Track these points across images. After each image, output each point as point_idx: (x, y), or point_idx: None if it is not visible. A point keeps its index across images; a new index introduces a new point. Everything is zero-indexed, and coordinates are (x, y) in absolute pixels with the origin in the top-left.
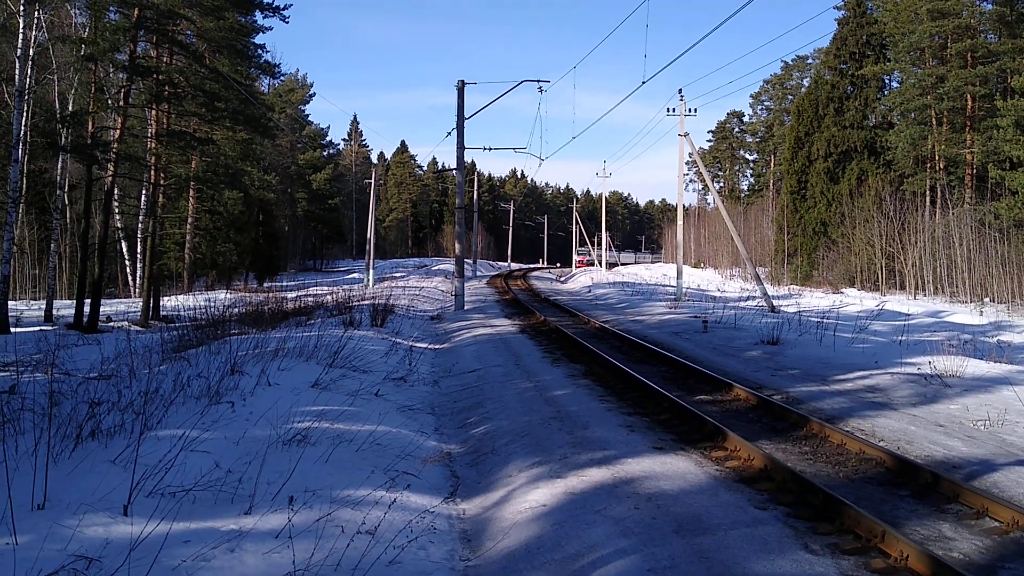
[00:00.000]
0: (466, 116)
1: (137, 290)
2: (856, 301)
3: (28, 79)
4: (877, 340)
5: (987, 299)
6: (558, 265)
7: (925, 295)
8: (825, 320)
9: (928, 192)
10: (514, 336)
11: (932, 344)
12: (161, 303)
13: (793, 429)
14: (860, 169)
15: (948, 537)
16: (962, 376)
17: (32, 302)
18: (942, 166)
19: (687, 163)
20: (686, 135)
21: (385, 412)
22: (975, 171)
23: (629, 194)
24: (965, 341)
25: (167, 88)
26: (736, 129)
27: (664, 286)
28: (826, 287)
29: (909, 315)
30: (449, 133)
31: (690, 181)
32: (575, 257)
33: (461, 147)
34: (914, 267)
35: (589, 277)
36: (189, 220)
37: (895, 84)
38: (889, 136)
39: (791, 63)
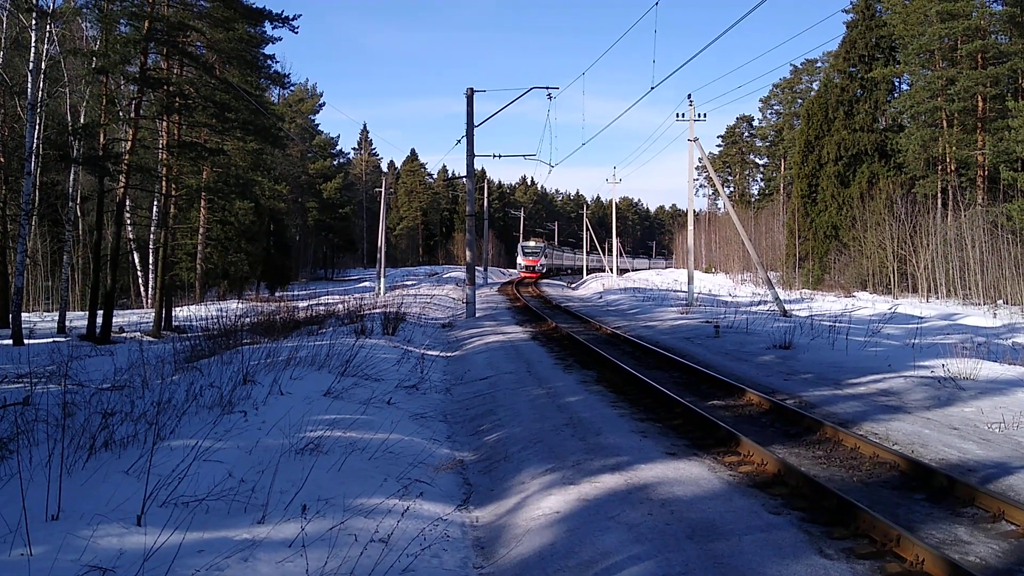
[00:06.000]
0: (476, 124)
1: (149, 301)
2: (868, 304)
3: (40, 92)
4: (890, 343)
5: (1000, 301)
6: (569, 272)
7: (938, 298)
8: (837, 324)
9: (939, 194)
10: (526, 343)
11: (945, 347)
12: (173, 313)
13: (806, 433)
14: (871, 172)
15: (964, 541)
16: (976, 379)
17: (45, 313)
18: (953, 168)
19: (697, 168)
20: (696, 140)
21: (397, 420)
22: (987, 173)
23: (639, 200)
24: (979, 343)
25: (178, 99)
26: (746, 134)
27: (675, 291)
28: (838, 291)
29: (922, 318)
30: (459, 141)
31: (700, 186)
32: (519, 259)
33: (471, 155)
34: (926, 270)
35: (600, 283)
36: (200, 230)
37: (905, 86)
38: (899, 139)
39: (800, 67)
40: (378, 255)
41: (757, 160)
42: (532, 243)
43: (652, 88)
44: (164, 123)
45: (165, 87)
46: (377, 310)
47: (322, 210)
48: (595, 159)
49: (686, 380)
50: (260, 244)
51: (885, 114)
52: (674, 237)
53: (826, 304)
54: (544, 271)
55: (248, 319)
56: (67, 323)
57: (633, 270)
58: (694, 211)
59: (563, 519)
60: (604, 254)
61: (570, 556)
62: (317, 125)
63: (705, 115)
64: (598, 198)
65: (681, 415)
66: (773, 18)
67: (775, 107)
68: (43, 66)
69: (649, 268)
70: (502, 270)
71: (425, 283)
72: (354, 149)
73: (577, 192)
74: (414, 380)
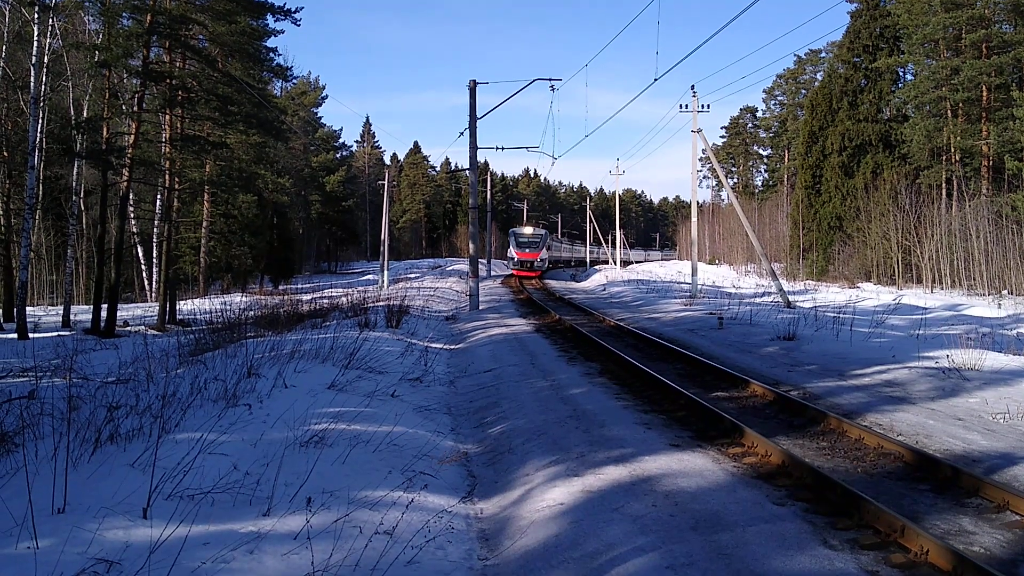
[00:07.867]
0: (478, 116)
1: (153, 294)
2: (872, 295)
3: (43, 86)
4: (894, 334)
5: (1005, 292)
6: (572, 264)
7: (942, 288)
8: (841, 315)
9: (944, 184)
10: (529, 335)
11: (950, 338)
12: (177, 307)
13: (811, 425)
14: (875, 163)
15: (969, 531)
16: (981, 369)
17: (50, 308)
18: (958, 158)
19: (701, 159)
20: (699, 131)
21: (401, 413)
22: (991, 162)
23: (643, 192)
24: (983, 334)
25: (180, 93)
26: (749, 125)
27: (679, 283)
28: (842, 282)
29: (926, 309)
30: (462, 133)
31: (704, 177)
32: (511, 250)
33: (474, 147)
34: (931, 260)
35: (604, 275)
36: (204, 224)
37: (909, 76)
38: (904, 129)
39: (804, 57)
40: (381, 248)
41: (761, 151)
42: (528, 230)
43: (655, 79)
44: (167, 116)
45: (168, 80)
46: (381, 303)
47: (325, 203)
48: (598, 151)
49: (690, 372)
50: (263, 237)
51: (889, 104)
52: (678, 229)
53: (830, 295)
54: (544, 266)
55: (252, 312)
56: (71, 317)
57: (637, 262)
58: (698, 202)
59: (567, 511)
60: (607, 246)
61: (575, 547)
62: (320, 118)
63: (708, 106)
64: (601, 190)
65: (685, 407)
66: (776, 8)
67: (779, 98)
68: (46, 60)
69: (653, 260)
70: (505, 262)
71: (428, 276)
72: (357, 142)
73: (580, 184)
74: (418, 373)
